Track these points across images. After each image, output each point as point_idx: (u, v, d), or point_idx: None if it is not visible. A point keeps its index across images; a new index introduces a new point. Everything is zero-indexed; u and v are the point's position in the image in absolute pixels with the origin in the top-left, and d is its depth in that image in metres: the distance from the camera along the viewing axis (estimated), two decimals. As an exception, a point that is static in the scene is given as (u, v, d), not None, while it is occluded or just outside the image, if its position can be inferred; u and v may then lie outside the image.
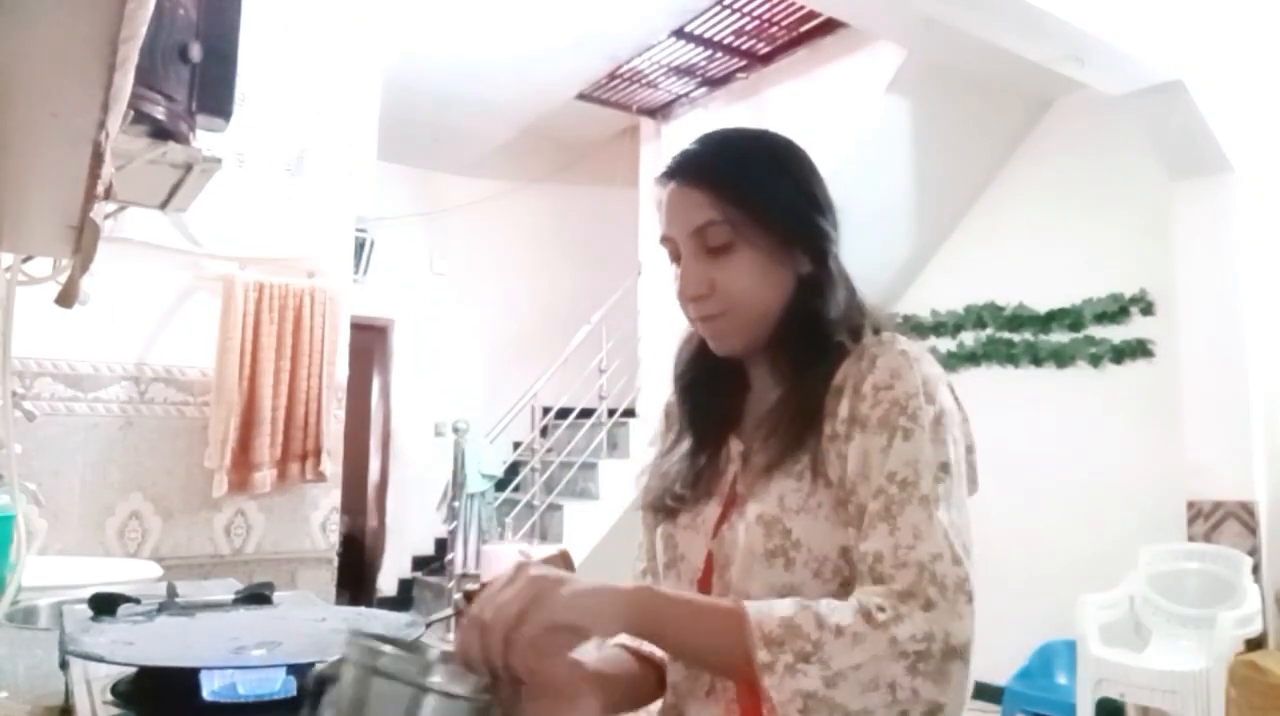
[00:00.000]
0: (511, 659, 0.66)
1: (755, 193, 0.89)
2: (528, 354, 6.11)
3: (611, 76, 5.40)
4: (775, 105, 5.01)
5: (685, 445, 0.97)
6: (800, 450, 0.85)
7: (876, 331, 0.89)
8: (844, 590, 0.80)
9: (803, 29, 4.72)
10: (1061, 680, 3.78)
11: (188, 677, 0.85)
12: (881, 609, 0.71)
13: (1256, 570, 3.49)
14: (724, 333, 0.91)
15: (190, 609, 1.10)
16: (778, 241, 0.89)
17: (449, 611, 1.02)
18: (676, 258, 0.92)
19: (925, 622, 0.71)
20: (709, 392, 0.98)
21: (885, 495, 0.78)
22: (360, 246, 5.35)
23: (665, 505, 0.95)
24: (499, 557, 4.57)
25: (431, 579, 5.91)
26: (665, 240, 0.93)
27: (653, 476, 0.99)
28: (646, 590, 0.75)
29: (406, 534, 6.30)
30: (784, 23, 4.69)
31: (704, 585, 0.89)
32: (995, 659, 3.70)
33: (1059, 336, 4.42)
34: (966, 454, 0.85)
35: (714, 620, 0.74)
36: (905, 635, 0.70)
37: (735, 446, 0.93)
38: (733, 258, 0.88)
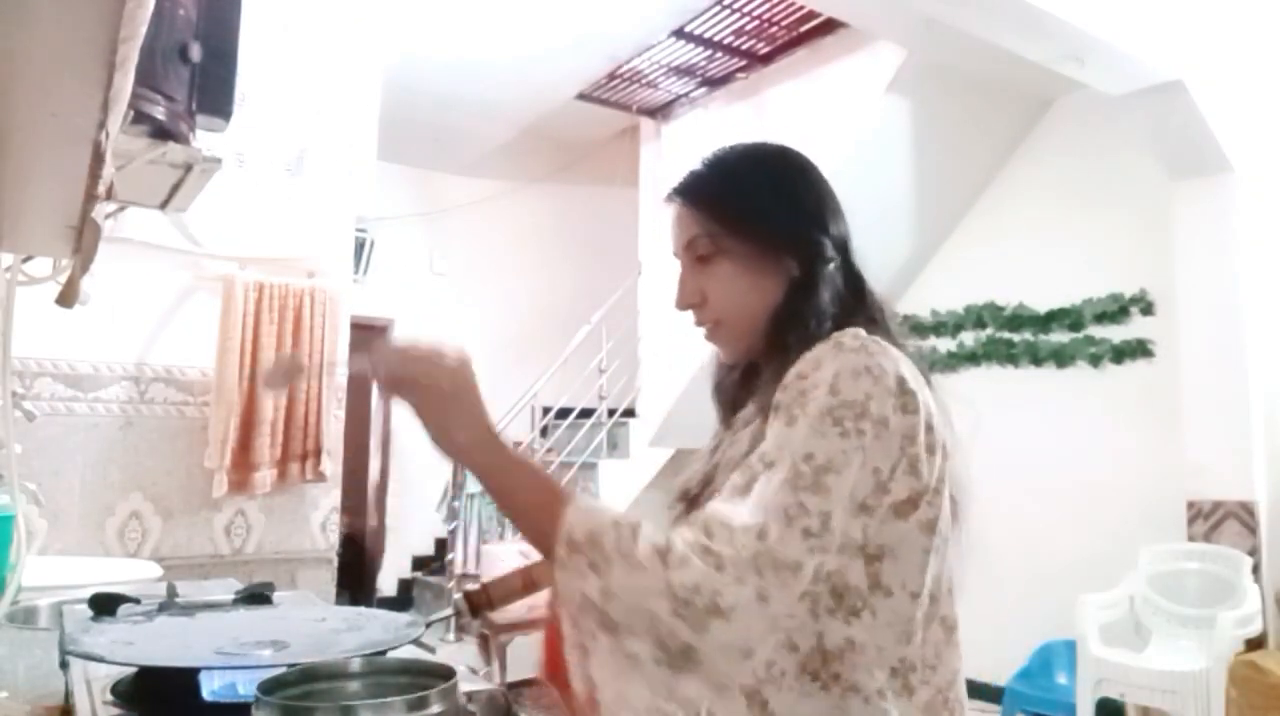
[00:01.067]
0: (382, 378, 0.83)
1: (733, 205, 0.96)
2: (528, 354, 6.11)
3: (611, 76, 5.40)
4: (775, 105, 5.01)
5: (710, 445, 1.02)
6: (751, 444, 0.88)
7: (844, 325, 0.90)
8: None
9: (803, 29, 4.72)
10: (1061, 680, 3.78)
11: (188, 677, 0.85)
12: (674, 551, 0.75)
13: (1256, 570, 3.49)
14: (724, 340, 0.98)
15: (190, 609, 1.10)
16: (758, 249, 0.94)
17: (449, 611, 1.02)
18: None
19: (701, 576, 0.74)
20: (729, 393, 1.04)
21: (749, 471, 0.81)
22: (360, 246, 5.35)
23: (678, 500, 0.99)
24: (499, 557, 4.57)
25: (431, 579, 5.91)
26: (674, 255, 1.00)
27: (682, 473, 1.05)
28: (502, 444, 0.84)
29: (406, 534, 6.30)
30: (784, 23, 4.69)
31: None
32: (995, 659, 3.69)
33: (1059, 336, 4.42)
34: (930, 456, 0.83)
35: (540, 496, 0.81)
36: (678, 581, 0.74)
37: (725, 443, 0.99)
38: (717, 267, 0.95)
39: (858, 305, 0.94)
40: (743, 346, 0.97)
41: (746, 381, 1.00)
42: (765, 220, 0.94)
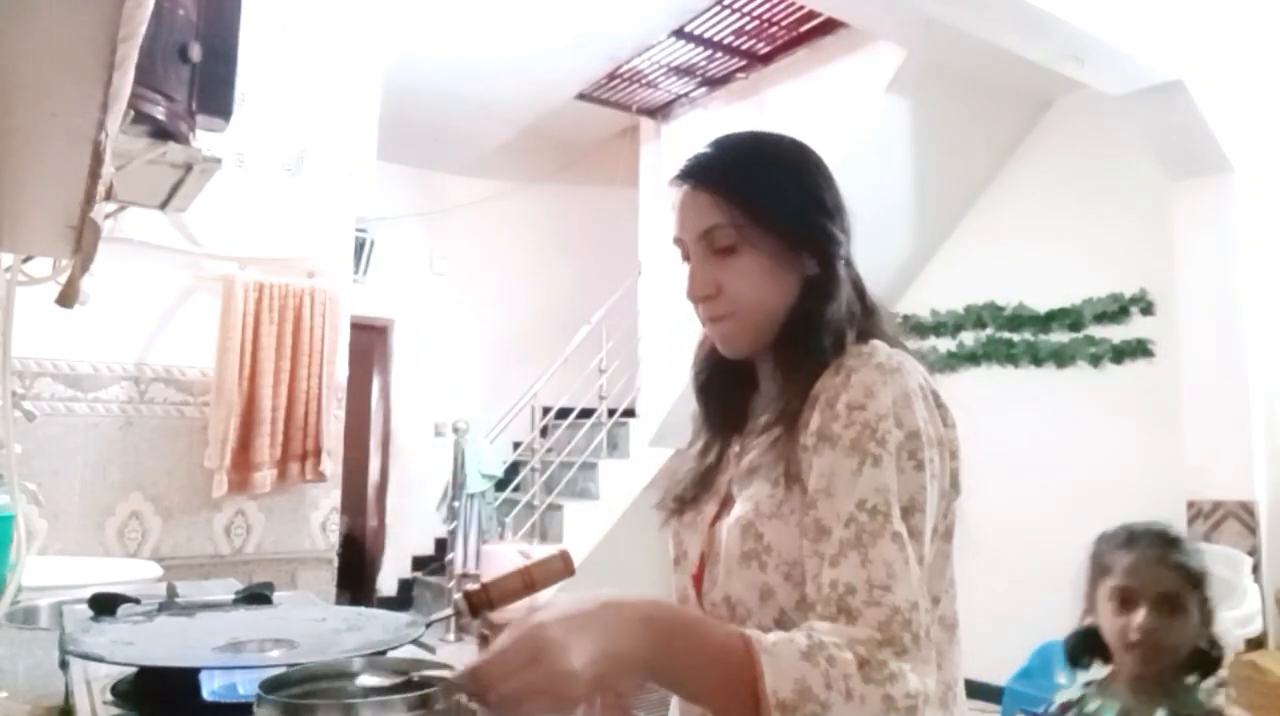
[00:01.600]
0: None
1: (761, 196, 0.91)
2: (528, 354, 6.11)
3: (611, 76, 5.39)
4: (775, 105, 5.01)
5: (699, 445, 1.00)
6: (776, 456, 0.86)
7: (866, 338, 0.89)
8: None
9: (803, 29, 4.72)
10: (1062, 680, 3.76)
11: (188, 677, 0.85)
12: (874, 663, 0.72)
13: (1256, 570, 3.49)
14: (731, 334, 0.93)
15: (190, 609, 1.10)
16: (782, 244, 0.90)
17: (449, 611, 1.02)
18: (687, 258, 0.94)
19: (915, 679, 0.72)
20: (720, 393, 1.00)
21: (856, 523, 0.78)
22: (360, 246, 5.35)
23: (672, 504, 0.98)
24: (499, 557, 4.57)
25: (431, 579, 5.91)
26: (677, 241, 0.95)
27: (670, 476, 1.02)
28: (657, 614, 0.71)
29: (406, 534, 6.30)
30: (784, 23, 4.69)
31: (697, 580, 0.92)
32: (995, 658, 3.69)
33: (1059, 336, 4.42)
34: (949, 461, 0.85)
35: (726, 668, 0.70)
36: (900, 693, 0.71)
37: (735, 447, 0.96)
38: (738, 260, 0.90)
39: (864, 308, 0.93)
40: (750, 342, 0.93)
41: (738, 381, 0.98)
42: (792, 214, 0.91)
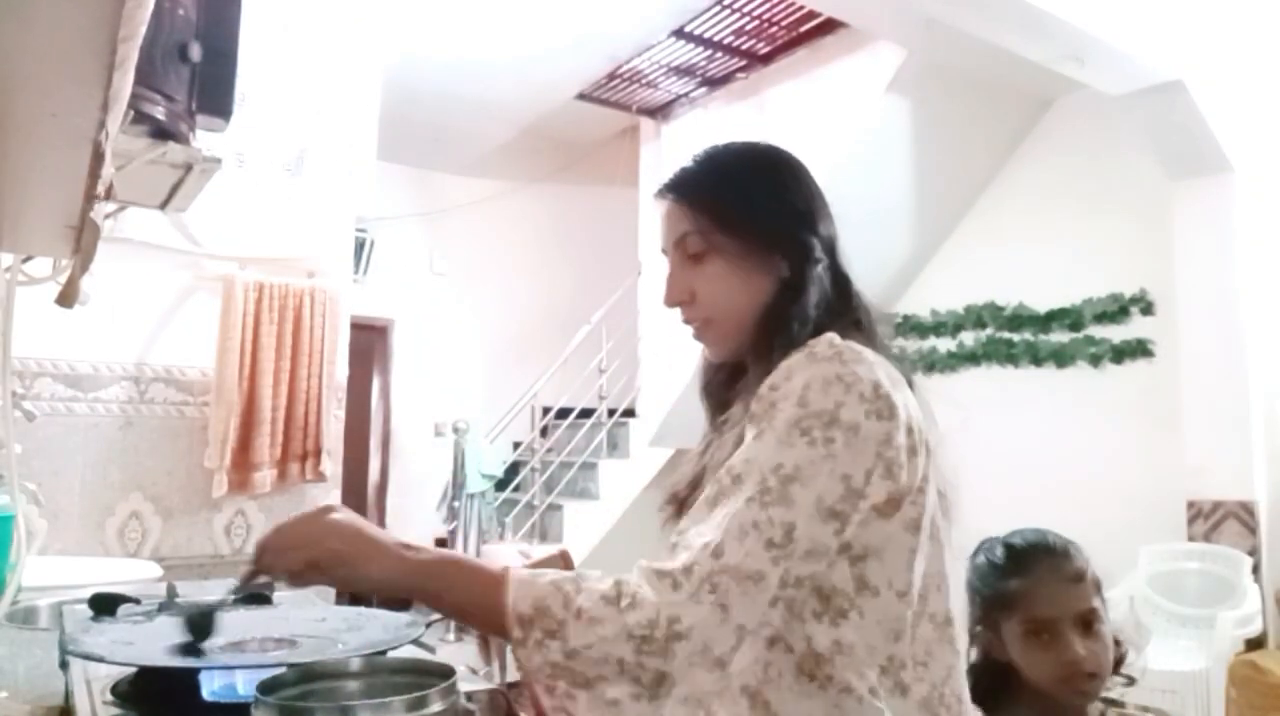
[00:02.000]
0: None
1: (727, 203, 0.95)
2: (528, 354, 6.11)
3: (611, 76, 5.39)
4: (775, 105, 5.01)
5: (700, 445, 1.01)
6: (733, 447, 0.89)
7: (843, 334, 0.90)
8: None
9: (803, 29, 4.72)
10: None
11: (188, 677, 0.85)
12: (627, 593, 0.77)
13: (1256, 570, 3.50)
14: (712, 339, 0.98)
15: (190, 609, 1.10)
16: (750, 248, 0.94)
17: (449, 611, 1.02)
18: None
19: (654, 609, 0.76)
20: (717, 394, 1.02)
21: (718, 485, 0.83)
22: (360, 246, 5.35)
23: (670, 505, 0.99)
24: (499, 558, 4.56)
25: (431, 579, 5.90)
26: (663, 252, 1.00)
27: (672, 477, 1.05)
28: (418, 558, 0.82)
29: (406, 534, 6.24)
30: (784, 23, 4.69)
31: None
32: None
33: (1059, 336, 4.42)
34: (912, 457, 0.85)
35: (476, 587, 0.80)
36: (633, 621, 0.76)
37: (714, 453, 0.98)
38: (708, 266, 0.95)
39: (844, 307, 0.94)
40: (730, 346, 0.97)
41: (733, 381, 1.00)
42: (757, 219, 0.95)
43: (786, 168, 1.00)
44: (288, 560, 0.81)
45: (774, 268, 0.94)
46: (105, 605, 1.08)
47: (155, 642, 0.92)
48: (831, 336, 0.87)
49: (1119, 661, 1.29)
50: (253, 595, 1.21)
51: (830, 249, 0.97)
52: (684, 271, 0.96)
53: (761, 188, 0.97)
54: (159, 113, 1.15)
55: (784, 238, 0.94)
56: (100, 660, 0.84)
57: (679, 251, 0.97)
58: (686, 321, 0.98)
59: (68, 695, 0.94)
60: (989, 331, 4.67)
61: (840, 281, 0.96)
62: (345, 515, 0.84)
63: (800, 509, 0.80)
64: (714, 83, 5.39)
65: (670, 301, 0.97)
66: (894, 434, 0.83)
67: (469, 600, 0.81)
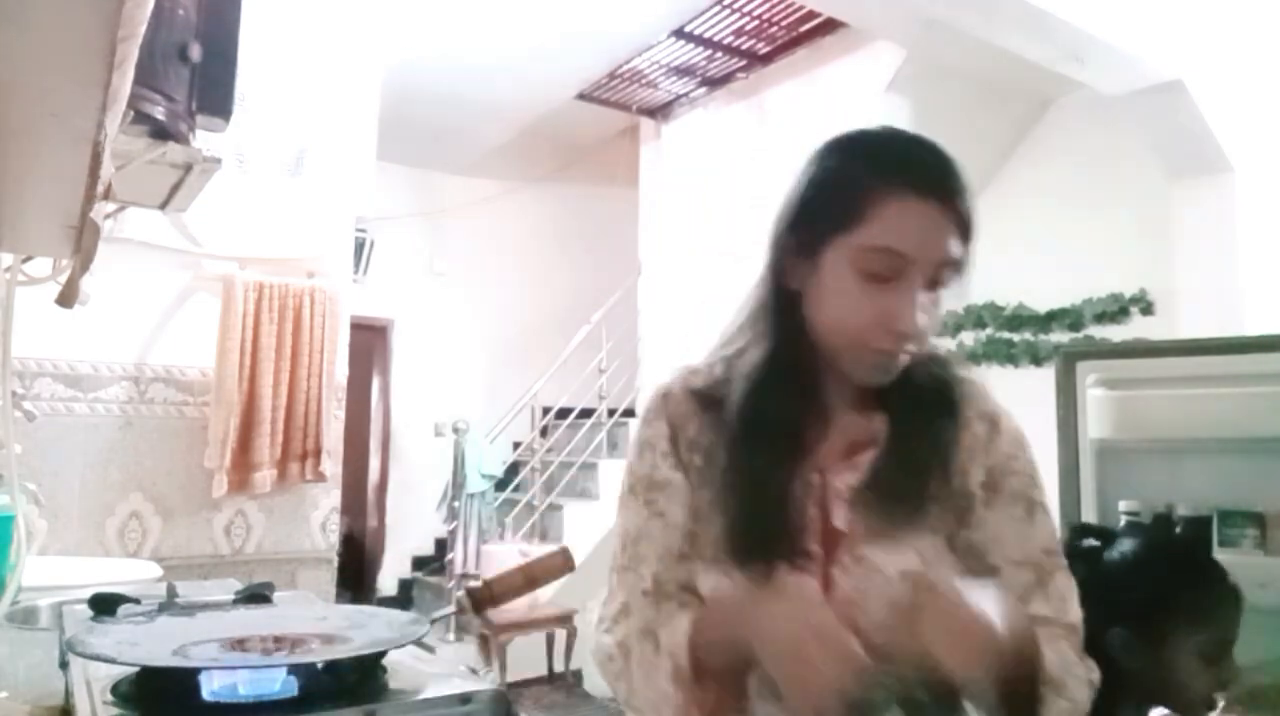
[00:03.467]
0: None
1: (971, 227, 0.84)
2: (528, 354, 6.11)
3: (611, 76, 5.39)
4: (775, 105, 5.01)
5: (751, 470, 0.85)
6: (929, 501, 0.84)
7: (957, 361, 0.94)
8: None
9: (803, 29, 4.72)
10: None
11: (188, 677, 0.85)
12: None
13: (1256, 570, 3.49)
14: (895, 369, 0.85)
15: (190, 609, 1.10)
16: None
17: (451, 609, 1.02)
18: (885, 277, 0.81)
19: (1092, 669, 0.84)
20: (788, 414, 0.87)
21: (1037, 567, 0.86)
22: (360, 246, 5.35)
23: (760, 545, 0.83)
24: (499, 557, 4.57)
25: (431, 579, 5.91)
26: (893, 253, 0.80)
27: (705, 516, 0.87)
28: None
29: (406, 534, 6.30)
30: (784, 23, 4.69)
31: None
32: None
33: (1059, 336, 4.42)
34: None
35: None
36: (1096, 678, 0.84)
37: (828, 477, 0.86)
38: (935, 297, 0.84)
39: None
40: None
41: (801, 399, 0.88)
42: None
43: None
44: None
45: None
46: (105, 605, 1.08)
47: (160, 643, 0.92)
48: (969, 374, 0.95)
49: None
50: (253, 595, 1.21)
51: None
52: (924, 299, 0.82)
53: None
54: (159, 113, 1.15)
55: None
56: (111, 661, 0.84)
57: (932, 273, 0.81)
58: (899, 350, 0.83)
59: (68, 695, 0.94)
60: (989, 331, 4.67)
61: None
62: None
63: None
64: (714, 83, 5.39)
65: (910, 332, 0.81)
66: None
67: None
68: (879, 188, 0.80)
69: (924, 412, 0.87)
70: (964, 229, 0.81)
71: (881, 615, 0.74)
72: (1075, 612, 0.85)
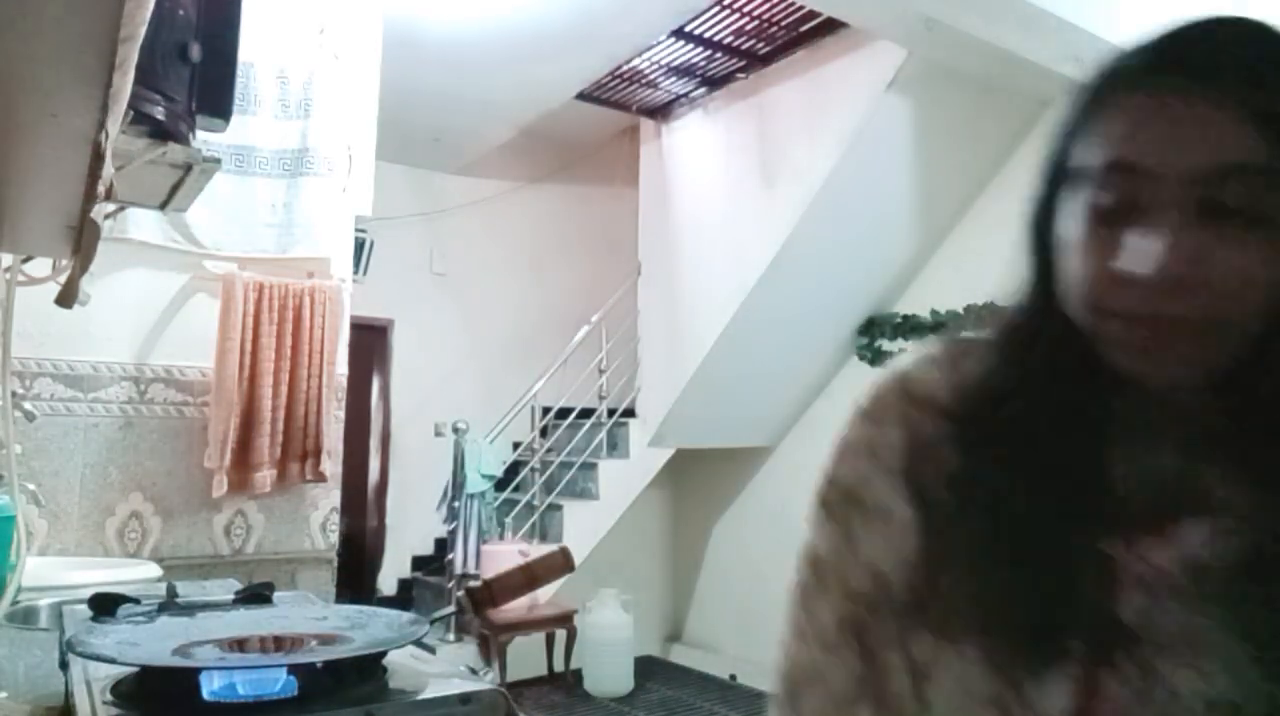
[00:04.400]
0: None
1: None
2: (528, 354, 6.11)
3: (611, 76, 5.39)
4: (775, 105, 5.01)
5: (996, 527, 0.57)
6: None
7: None
8: None
9: (803, 29, 4.72)
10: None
11: (188, 677, 0.85)
12: None
13: (1256, 570, 3.49)
14: (1179, 355, 0.53)
15: (190, 609, 1.10)
16: None
17: (451, 609, 1.02)
18: (1129, 209, 0.54)
19: None
20: (1057, 441, 0.57)
21: None
22: (360, 246, 5.35)
23: (1021, 638, 0.55)
24: (499, 557, 4.57)
25: (431, 579, 5.91)
26: (1124, 170, 0.54)
27: (958, 583, 0.58)
28: None
29: (406, 534, 6.30)
30: (784, 23, 4.69)
31: None
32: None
33: None
34: None
35: None
36: None
37: (1132, 551, 0.55)
38: (1252, 233, 0.51)
39: None
40: (1203, 365, 0.53)
41: (1082, 420, 0.58)
42: None
43: None
44: None
45: None
46: (105, 605, 1.08)
47: (160, 642, 0.92)
48: None
49: None
50: (253, 595, 1.21)
51: None
52: (1198, 231, 0.51)
53: None
54: (159, 113, 1.15)
55: None
56: (111, 661, 0.84)
57: (1200, 193, 0.51)
58: (1165, 310, 0.52)
59: (68, 695, 0.94)
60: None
61: None
62: None
63: None
64: (714, 83, 5.39)
65: (1172, 276, 0.51)
66: None
67: None
68: (1106, 94, 0.59)
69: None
70: (1259, 122, 0.51)
71: None
72: None
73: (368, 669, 0.87)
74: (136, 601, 1.12)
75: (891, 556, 0.61)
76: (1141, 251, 0.52)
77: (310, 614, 1.11)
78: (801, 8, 4.36)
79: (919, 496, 0.61)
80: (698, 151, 5.45)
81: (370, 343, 6.13)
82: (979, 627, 0.56)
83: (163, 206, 1.49)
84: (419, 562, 6.34)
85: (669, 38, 4.87)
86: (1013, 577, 0.56)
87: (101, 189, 0.76)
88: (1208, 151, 0.52)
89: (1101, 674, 0.54)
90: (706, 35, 4.86)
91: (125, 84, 0.62)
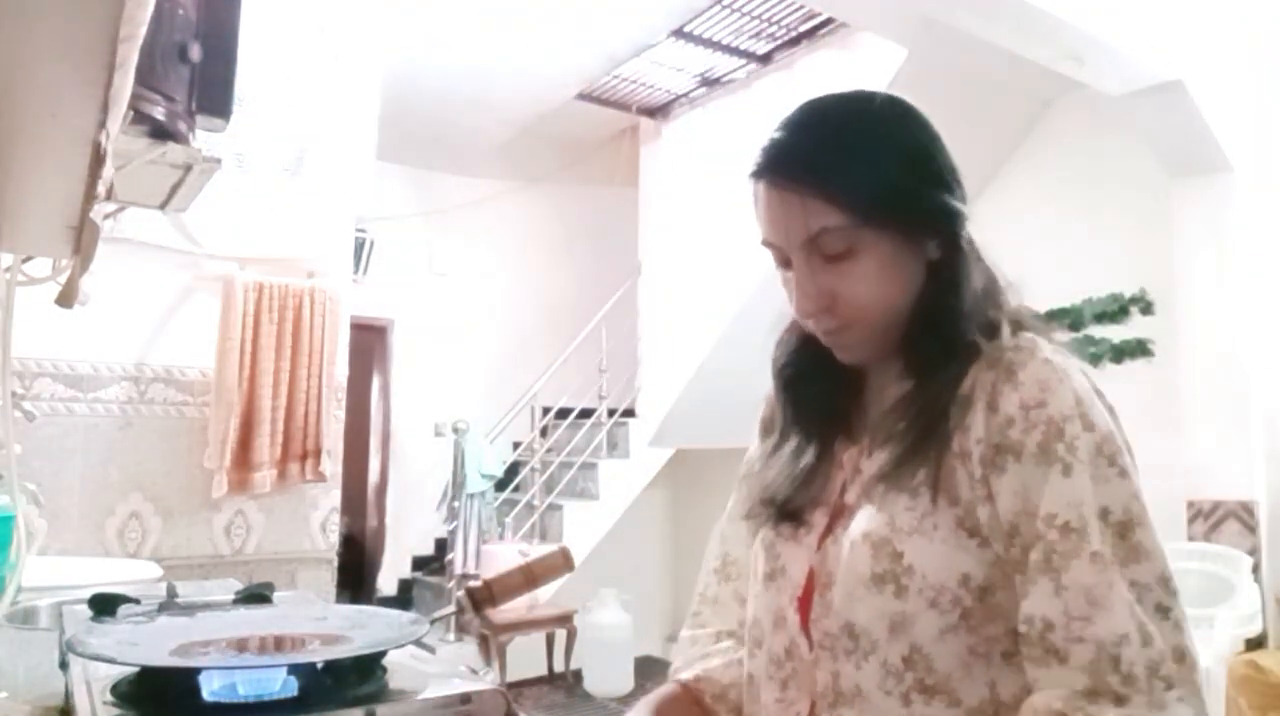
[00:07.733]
0: None
1: (867, 184, 0.76)
2: (528, 354, 6.11)
3: (611, 76, 5.40)
4: (775, 105, 5.01)
5: (789, 446, 0.88)
6: (918, 463, 0.75)
7: (1017, 329, 0.79)
8: (964, 622, 0.72)
9: (803, 29, 4.72)
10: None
11: (188, 677, 0.85)
12: None
13: (1256, 570, 3.49)
14: (854, 343, 0.81)
15: (190, 609, 1.10)
16: (900, 235, 0.77)
17: (451, 609, 1.02)
18: (784, 264, 0.81)
19: None
20: (816, 388, 0.87)
21: (1044, 542, 0.68)
22: (360, 246, 5.35)
23: (766, 511, 0.87)
24: (499, 557, 4.57)
25: (431, 579, 5.91)
26: (768, 245, 0.81)
27: (754, 480, 0.91)
28: None
29: (406, 534, 6.30)
30: (784, 23, 4.69)
31: (805, 603, 0.81)
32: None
33: (1059, 336, 4.42)
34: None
35: None
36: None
37: (845, 450, 0.85)
38: (854, 264, 0.77)
39: (995, 290, 0.83)
40: (874, 347, 0.81)
41: (839, 376, 0.86)
42: (905, 198, 0.77)
43: (918, 122, 0.84)
44: None
45: (922, 250, 0.79)
46: (105, 605, 1.08)
47: (160, 643, 0.92)
48: (1035, 337, 0.77)
49: None
50: (253, 595, 1.21)
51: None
52: (820, 272, 0.77)
53: (903, 159, 0.79)
54: (159, 113, 1.15)
55: (933, 214, 0.78)
56: (111, 661, 0.84)
57: (809, 250, 0.77)
58: (823, 329, 0.81)
59: (68, 695, 0.94)
60: (989, 331, 4.67)
61: (983, 262, 0.83)
62: None
63: (1156, 556, 0.69)
64: (714, 83, 5.39)
65: (808, 311, 0.79)
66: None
67: None
68: (752, 182, 0.82)
69: (930, 371, 0.78)
70: (826, 193, 0.76)
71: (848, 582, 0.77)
72: (1105, 625, 0.65)
73: (368, 669, 0.87)
74: (136, 601, 1.12)
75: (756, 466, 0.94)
76: (798, 298, 0.80)
77: (310, 614, 1.11)
78: (801, 8, 4.37)
79: (766, 431, 0.96)
80: (698, 151, 5.45)
81: (370, 343, 6.13)
82: (770, 505, 0.87)
83: (163, 206, 1.49)
84: (419, 562, 6.34)
85: (669, 38, 4.87)
86: (788, 471, 0.87)
87: (102, 189, 0.76)
88: (801, 226, 0.77)
89: (833, 528, 0.81)
90: (706, 35, 4.86)
91: (126, 84, 0.62)
